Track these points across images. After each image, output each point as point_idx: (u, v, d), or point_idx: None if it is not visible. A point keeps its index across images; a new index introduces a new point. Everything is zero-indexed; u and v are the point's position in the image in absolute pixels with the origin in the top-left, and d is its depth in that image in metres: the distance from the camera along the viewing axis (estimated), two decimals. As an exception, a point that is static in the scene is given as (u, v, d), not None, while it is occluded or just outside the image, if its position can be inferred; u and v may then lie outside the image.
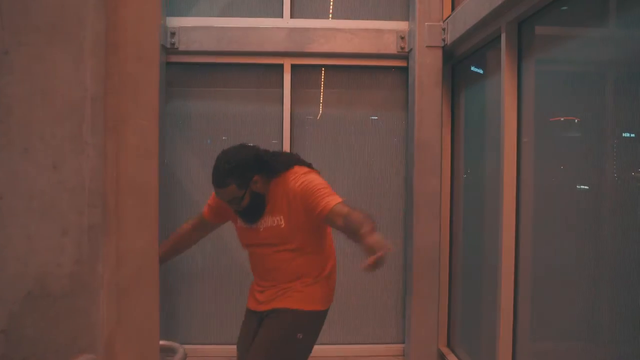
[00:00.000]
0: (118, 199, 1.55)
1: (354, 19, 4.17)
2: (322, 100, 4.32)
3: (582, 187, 2.55)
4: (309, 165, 2.54)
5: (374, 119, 4.28)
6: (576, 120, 2.67)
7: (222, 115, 4.23)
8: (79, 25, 1.48)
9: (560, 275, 2.70)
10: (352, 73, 4.24)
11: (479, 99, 3.76)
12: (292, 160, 2.51)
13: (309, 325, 2.50)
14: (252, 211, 2.44)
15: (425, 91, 3.88)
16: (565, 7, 2.63)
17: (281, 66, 4.15)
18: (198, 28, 4.05)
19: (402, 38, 4.04)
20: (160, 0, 1.61)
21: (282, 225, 2.42)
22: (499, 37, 3.09)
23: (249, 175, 2.36)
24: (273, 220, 2.44)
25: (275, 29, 4.06)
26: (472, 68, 3.86)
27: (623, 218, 2.17)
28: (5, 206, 1.42)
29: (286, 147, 4.12)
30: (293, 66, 4.15)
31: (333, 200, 2.27)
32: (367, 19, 4.16)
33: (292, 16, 4.17)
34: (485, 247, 3.50)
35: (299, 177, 2.40)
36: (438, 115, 3.91)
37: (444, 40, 3.85)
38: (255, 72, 4.23)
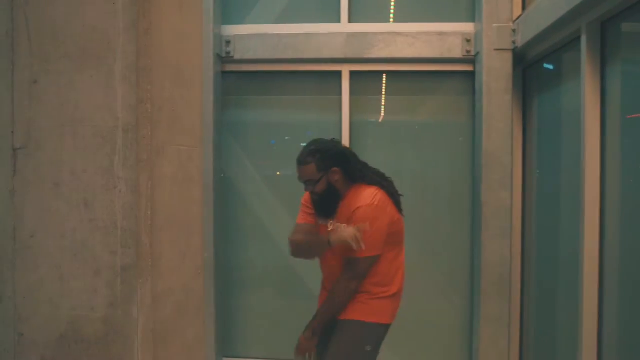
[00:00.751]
0: (153, 237, 1.45)
1: (416, 22, 3.87)
2: (383, 107, 4.09)
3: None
4: (391, 192, 2.50)
5: (438, 127, 4.00)
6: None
7: (280, 124, 4.04)
8: (109, 49, 1.40)
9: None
10: (414, 79, 3.93)
11: (554, 105, 3.38)
12: (375, 179, 2.52)
13: (376, 337, 2.52)
14: (325, 204, 2.49)
15: (494, 97, 3.55)
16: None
17: (339, 73, 3.91)
18: (253, 36, 3.86)
19: (468, 41, 3.71)
20: (202, 22, 1.53)
21: None
22: (578, 38, 2.75)
23: (329, 162, 2.44)
24: (338, 227, 2.44)
25: (333, 34, 3.81)
26: (547, 72, 3.48)
27: None
28: (37, 245, 1.35)
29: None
30: (352, 73, 3.90)
31: (362, 252, 2.32)
32: (429, 22, 3.85)
33: (350, 21, 3.91)
34: (563, 265, 3.15)
35: (367, 204, 2.38)
36: (508, 124, 3.56)
37: (514, 42, 3.50)
38: (313, 79, 4.01)
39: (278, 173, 4.08)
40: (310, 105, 4.09)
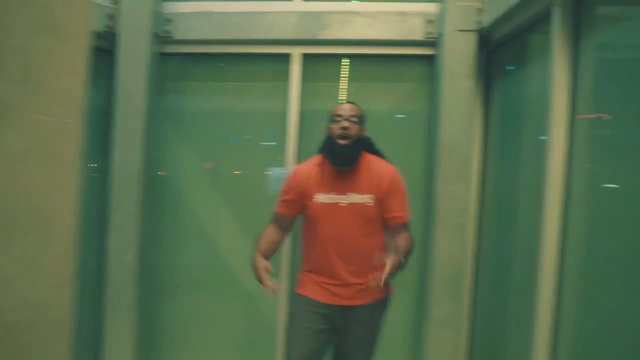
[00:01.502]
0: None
1: (375, 1, 3.28)
2: (337, 94, 3.41)
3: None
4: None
5: (396, 115, 3.38)
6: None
7: (223, 112, 3.46)
8: None
9: (614, 302, 1.94)
10: (372, 63, 3.35)
11: (519, 91, 2.83)
12: (382, 156, 2.59)
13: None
14: (351, 150, 2.37)
15: (455, 83, 2.99)
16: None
17: (288, 56, 3.34)
18: (197, 14, 3.24)
19: (430, 22, 3.13)
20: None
21: (372, 205, 2.34)
22: (549, 15, 2.23)
23: (364, 122, 2.49)
24: (362, 198, 2.35)
25: (285, 13, 3.21)
26: (512, 54, 2.91)
27: None
28: None
29: (291, 147, 3.30)
30: (304, 56, 3.31)
31: (408, 215, 2.44)
32: (390, 1, 3.26)
33: (304, -2, 3.19)
34: (519, 267, 2.65)
35: (396, 170, 2.45)
36: (468, 111, 3.00)
37: (479, 22, 2.94)
38: (261, 63, 3.39)
39: (235, 170, 3.65)
40: (257, 92, 3.42)
